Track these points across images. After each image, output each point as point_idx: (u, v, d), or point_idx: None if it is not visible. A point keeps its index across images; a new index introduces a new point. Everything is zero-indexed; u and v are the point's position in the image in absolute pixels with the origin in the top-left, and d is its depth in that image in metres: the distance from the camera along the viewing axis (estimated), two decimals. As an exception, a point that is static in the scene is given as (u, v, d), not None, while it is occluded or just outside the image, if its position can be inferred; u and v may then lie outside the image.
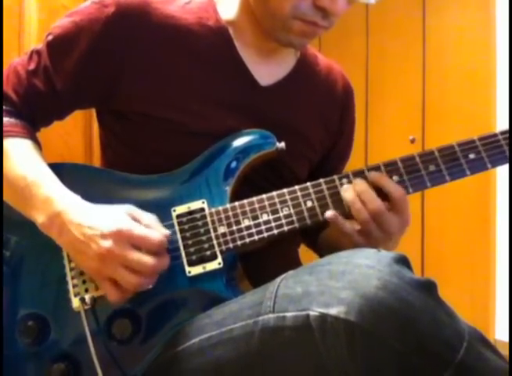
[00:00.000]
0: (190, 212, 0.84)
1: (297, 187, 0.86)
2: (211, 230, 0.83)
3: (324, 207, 0.84)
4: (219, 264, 0.81)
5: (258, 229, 0.83)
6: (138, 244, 0.76)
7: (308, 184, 0.86)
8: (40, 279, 0.85)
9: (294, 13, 0.85)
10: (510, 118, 2.34)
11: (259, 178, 0.92)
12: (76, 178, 0.89)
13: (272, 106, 0.96)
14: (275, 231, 0.84)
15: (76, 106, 0.96)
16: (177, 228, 0.83)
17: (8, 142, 0.86)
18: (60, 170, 0.88)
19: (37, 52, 0.91)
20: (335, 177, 0.86)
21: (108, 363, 0.78)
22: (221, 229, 0.83)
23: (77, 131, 2.25)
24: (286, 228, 0.84)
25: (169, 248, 0.81)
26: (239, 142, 0.89)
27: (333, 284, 0.64)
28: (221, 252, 0.82)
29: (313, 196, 0.85)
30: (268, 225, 0.84)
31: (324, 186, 0.86)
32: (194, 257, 0.82)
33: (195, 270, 0.81)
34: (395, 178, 0.86)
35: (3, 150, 0.86)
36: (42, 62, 0.90)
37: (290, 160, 0.96)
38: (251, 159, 0.88)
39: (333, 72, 1.07)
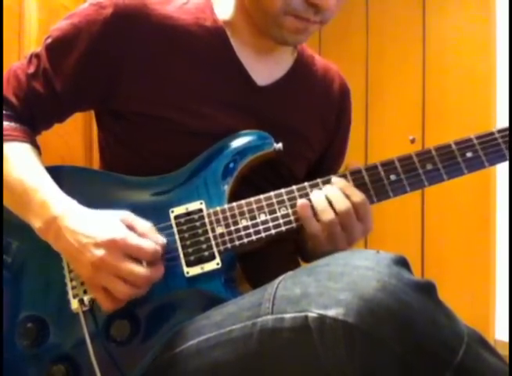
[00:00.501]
0: (188, 213, 0.84)
1: (294, 187, 0.86)
2: (209, 231, 0.83)
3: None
4: (217, 264, 0.81)
5: (256, 229, 0.83)
6: (131, 253, 0.76)
7: (306, 184, 0.86)
8: (39, 281, 0.85)
9: (286, 9, 0.85)
10: (510, 118, 2.34)
11: (257, 178, 0.92)
12: (74, 181, 0.89)
13: (270, 106, 0.96)
14: (273, 231, 0.84)
15: (76, 108, 0.96)
16: (175, 229, 0.83)
17: (7, 146, 0.86)
18: (58, 173, 0.88)
19: (37, 56, 0.91)
20: (332, 177, 0.86)
21: (107, 364, 0.78)
22: (219, 230, 0.83)
23: (77, 132, 2.25)
24: (283, 228, 0.84)
25: (167, 249, 0.81)
26: (237, 143, 0.89)
27: (332, 286, 0.64)
28: (220, 252, 0.82)
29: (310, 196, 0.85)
30: (265, 226, 0.84)
31: (322, 186, 0.86)
32: (192, 257, 0.82)
33: (193, 271, 0.81)
34: (393, 177, 0.86)
35: (3, 154, 0.85)
36: (42, 65, 0.90)
37: (288, 159, 0.96)
38: (249, 160, 0.88)
39: (330, 72, 1.07)
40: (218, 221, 0.84)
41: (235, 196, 0.87)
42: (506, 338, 2.37)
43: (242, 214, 0.84)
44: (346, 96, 1.10)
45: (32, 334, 0.82)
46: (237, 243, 0.83)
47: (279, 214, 0.84)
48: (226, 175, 0.87)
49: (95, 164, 1.97)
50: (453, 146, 0.86)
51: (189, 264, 0.82)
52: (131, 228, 0.79)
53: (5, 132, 0.87)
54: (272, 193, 0.86)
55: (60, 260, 0.83)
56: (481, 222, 2.51)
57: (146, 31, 0.88)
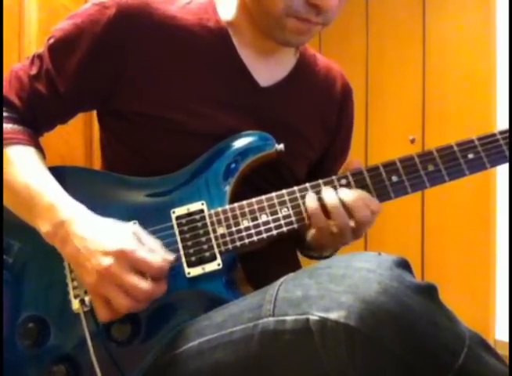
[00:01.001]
0: (189, 214, 0.84)
1: (295, 188, 0.86)
2: (211, 231, 0.83)
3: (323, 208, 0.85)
4: (218, 265, 0.81)
5: (257, 229, 0.83)
6: (138, 266, 0.75)
7: (307, 185, 0.86)
8: (40, 281, 0.85)
9: (287, 11, 0.85)
10: (510, 118, 2.34)
11: (258, 179, 0.92)
12: (75, 181, 0.89)
13: (272, 107, 0.96)
14: (275, 232, 0.84)
15: (79, 109, 0.95)
16: (176, 229, 0.83)
17: (11, 150, 0.86)
18: (60, 173, 0.88)
19: (39, 57, 0.91)
20: (334, 178, 0.86)
21: (108, 364, 0.78)
22: (221, 231, 0.83)
23: (78, 132, 2.25)
24: (285, 228, 0.84)
25: (168, 249, 0.81)
26: (239, 143, 0.89)
27: (333, 288, 0.64)
28: (221, 253, 0.82)
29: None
30: (267, 226, 0.84)
31: (323, 187, 0.86)
32: (193, 258, 0.82)
33: (194, 271, 0.81)
34: (394, 178, 0.86)
35: (6, 158, 0.85)
36: (44, 66, 0.90)
37: (289, 160, 0.96)
38: (250, 160, 0.88)
39: (332, 72, 1.07)
40: (219, 221, 0.84)
41: (236, 196, 0.87)
42: (506, 338, 2.37)
43: (243, 214, 0.84)
44: (348, 96, 1.10)
45: (33, 335, 0.82)
46: (238, 243, 0.83)
47: (280, 214, 0.84)
48: (228, 176, 0.87)
49: (96, 164, 1.98)
50: (455, 148, 0.86)
51: (191, 264, 0.81)
52: (140, 242, 0.78)
53: (9, 135, 0.86)
54: (273, 194, 0.86)
55: (61, 260, 0.83)
56: (481, 223, 2.51)
57: (148, 31, 0.88)
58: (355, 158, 0.90)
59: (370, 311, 0.60)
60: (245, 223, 0.84)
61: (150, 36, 0.88)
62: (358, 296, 0.62)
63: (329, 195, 0.84)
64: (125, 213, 0.85)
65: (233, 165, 0.88)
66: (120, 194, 0.88)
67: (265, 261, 0.89)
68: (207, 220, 0.84)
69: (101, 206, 0.85)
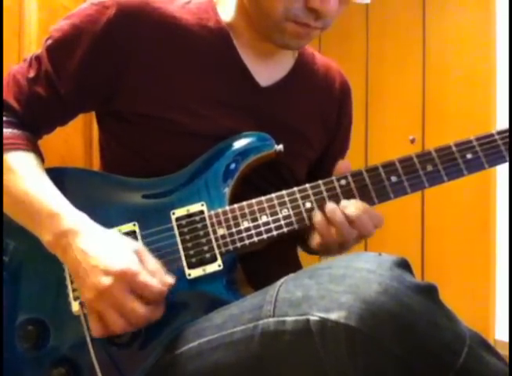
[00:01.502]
0: (189, 215, 0.84)
1: (295, 189, 0.86)
2: (211, 233, 0.83)
3: (323, 209, 0.85)
4: (219, 266, 0.81)
5: (258, 230, 0.83)
6: (138, 289, 0.74)
7: (307, 185, 0.86)
8: (39, 283, 0.85)
9: (287, 15, 0.85)
10: (510, 118, 2.34)
11: (258, 179, 0.92)
12: (75, 183, 0.89)
13: (272, 107, 0.96)
14: (275, 232, 0.84)
15: (79, 110, 0.95)
16: (176, 231, 0.83)
17: (11, 156, 0.85)
18: (59, 175, 0.88)
19: (37, 58, 0.90)
20: (333, 178, 0.86)
21: (108, 366, 0.78)
22: (221, 232, 0.83)
23: (77, 132, 2.25)
24: (285, 229, 0.84)
25: (168, 251, 0.82)
26: (238, 144, 0.89)
27: (334, 288, 0.64)
28: (221, 254, 0.82)
29: (312, 197, 0.85)
30: (267, 227, 0.84)
31: (323, 188, 0.86)
32: (194, 259, 0.82)
33: (195, 273, 0.81)
34: (393, 178, 0.86)
35: (6, 164, 0.84)
36: (43, 67, 0.89)
37: (289, 160, 0.96)
38: (250, 161, 0.88)
39: (331, 71, 1.08)
40: (219, 222, 0.84)
41: (236, 197, 0.87)
42: (506, 338, 2.37)
43: (243, 215, 0.84)
44: (347, 95, 1.10)
45: (33, 337, 0.82)
46: (238, 244, 0.83)
47: (280, 215, 0.84)
48: (227, 177, 0.87)
49: (96, 164, 1.97)
50: (453, 148, 0.86)
51: (191, 266, 0.81)
52: (142, 262, 0.77)
53: (8, 141, 0.85)
54: (273, 195, 0.86)
55: (61, 262, 0.83)
56: (481, 223, 2.51)
57: (148, 31, 0.88)
58: (346, 160, 0.90)
59: (370, 311, 0.60)
60: (245, 224, 0.84)
61: (150, 36, 0.88)
62: (359, 296, 0.62)
63: (336, 214, 0.83)
64: (125, 214, 0.85)
65: (233, 166, 0.88)
66: (120, 195, 0.88)
67: (265, 261, 0.89)
68: (207, 221, 0.84)
69: (100, 207, 0.85)
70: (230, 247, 0.83)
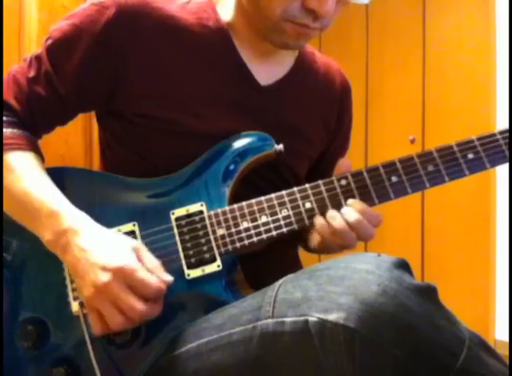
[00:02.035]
0: (189, 215, 0.84)
1: (295, 189, 0.86)
2: (210, 233, 0.83)
3: (323, 209, 0.84)
4: (218, 266, 0.81)
5: (257, 230, 0.83)
6: (136, 286, 0.74)
7: (307, 185, 0.86)
8: (39, 283, 0.85)
9: (285, 16, 0.85)
10: (510, 118, 2.33)
11: (259, 179, 0.92)
12: (75, 183, 0.89)
13: (273, 106, 0.96)
14: (274, 233, 0.84)
15: (79, 110, 0.95)
16: (176, 231, 0.83)
17: (11, 156, 0.85)
18: (59, 174, 0.88)
19: (37, 58, 0.90)
20: (333, 178, 0.86)
21: (107, 366, 0.78)
22: (220, 232, 0.83)
23: (77, 132, 2.25)
24: (284, 229, 0.84)
25: (168, 251, 0.81)
26: (238, 144, 0.89)
27: (333, 289, 0.64)
28: (220, 254, 0.82)
29: (312, 197, 0.85)
30: (266, 227, 0.84)
31: (323, 188, 0.86)
32: (193, 260, 0.82)
33: (194, 273, 0.81)
34: (394, 178, 0.85)
35: (6, 164, 0.84)
36: (43, 67, 0.89)
37: (290, 159, 0.96)
38: (250, 161, 0.88)
39: (331, 69, 1.08)
40: (218, 223, 0.83)
41: (236, 197, 0.87)
42: (506, 338, 2.37)
43: (243, 216, 0.84)
44: (347, 93, 1.10)
45: (32, 336, 0.82)
46: (238, 244, 0.83)
47: (280, 215, 0.84)
48: (227, 177, 0.87)
49: (96, 164, 1.97)
50: (455, 148, 0.85)
51: (190, 266, 0.81)
52: (140, 260, 0.77)
53: (8, 141, 0.86)
54: (272, 195, 0.85)
55: (61, 262, 0.83)
56: (482, 223, 2.51)
57: (148, 30, 0.88)
58: (347, 159, 0.90)
59: (369, 312, 0.60)
60: (244, 224, 0.84)
61: (150, 36, 0.88)
62: (358, 297, 0.61)
63: (336, 220, 0.83)
64: (125, 214, 0.85)
65: (232, 166, 0.88)
66: (120, 195, 0.88)
67: (265, 262, 0.89)
68: (207, 221, 0.83)
69: (100, 207, 0.85)
70: (229, 247, 0.82)
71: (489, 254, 2.49)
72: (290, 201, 0.85)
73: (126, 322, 0.75)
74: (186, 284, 0.81)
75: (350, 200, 0.84)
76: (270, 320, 0.67)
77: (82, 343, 0.78)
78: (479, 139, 0.85)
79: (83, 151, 2.29)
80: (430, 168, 0.85)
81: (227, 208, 0.84)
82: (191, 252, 0.82)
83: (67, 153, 2.18)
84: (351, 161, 0.90)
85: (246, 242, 0.83)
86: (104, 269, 0.73)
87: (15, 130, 0.87)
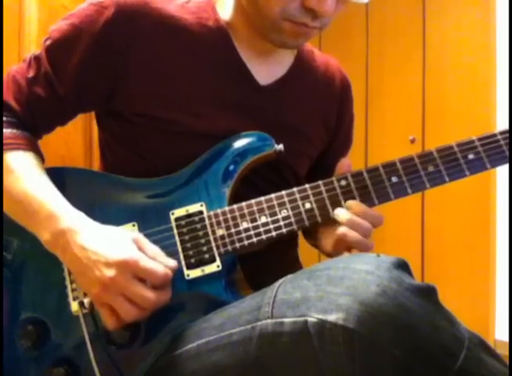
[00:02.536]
0: (189, 215, 0.84)
1: (295, 189, 0.86)
2: (210, 233, 0.83)
3: (322, 209, 0.84)
4: (218, 267, 0.81)
5: (257, 231, 0.83)
6: (142, 276, 0.75)
7: (307, 186, 0.86)
8: (39, 283, 0.85)
9: (283, 15, 0.85)
10: (510, 118, 2.33)
11: (258, 178, 0.92)
12: (75, 183, 0.89)
13: (273, 106, 0.96)
14: (274, 233, 0.83)
15: (79, 110, 0.95)
16: (175, 231, 0.83)
17: (11, 156, 0.85)
18: (59, 174, 0.88)
19: (36, 59, 0.90)
20: (333, 178, 0.86)
21: (107, 366, 0.78)
22: (220, 232, 0.83)
23: (77, 132, 2.25)
24: (284, 230, 0.84)
25: (167, 251, 0.81)
26: (238, 144, 0.89)
27: (332, 290, 0.64)
28: (220, 255, 0.82)
29: (312, 198, 0.85)
30: (266, 228, 0.83)
31: (323, 188, 0.86)
32: (193, 260, 0.82)
33: (194, 273, 0.81)
34: (394, 179, 0.85)
35: (6, 164, 0.84)
36: (42, 68, 0.89)
37: (290, 159, 0.96)
38: (249, 161, 0.88)
39: (330, 67, 1.07)
40: (218, 223, 0.83)
41: (236, 197, 0.87)
42: (506, 338, 2.37)
43: (242, 216, 0.84)
44: (347, 91, 1.10)
45: (32, 337, 0.82)
46: (238, 245, 0.83)
47: (279, 216, 0.84)
48: (227, 177, 0.87)
49: (96, 164, 1.97)
50: (455, 148, 0.85)
51: (190, 266, 0.81)
52: (141, 249, 0.77)
53: (8, 141, 0.86)
54: (272, 195, 0.85)
55: (60, 262, 0.83)
56: (481, 223, 2.51)
57: (147, 30, 0.88)
58: (347, 159, 0.90)
59: (369, 313, 0.60)
60: (244, 225, 0.83)
61: (149, 35, 0.88)
62: (357, 298, 0.61)
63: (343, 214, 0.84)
64: (124, 214, 0.85)
65: (232, 166, 0.87)
66: (120, 196, 0.88)
67: (264, 262, 0.89)
68: (207, 221, 0.83)
69: (100, 207, 0.85)
70: (229, 247, 0.82)
71: (489, 254, 2.48)
72: (290, 202, 0.85)
73: (139, 312, 0.75)
74: (186, 285, 0.81)
75: (349, 202, 0.85)
76: (269, 321, 0.67)
77: (82, 343, 0.78)
78: (480, 139, 0.85)
79: (83, 151, 2.30)
80: (431, 168, 0.85)
81: (227, 209, 0.84)
82: (191, 252, 0.82)
83: (67, 154, 2.18)
84: (351, 161, 0.90)
85: (245, 242, 0.83)
86: (108, 264, 0.74)
87: (14, 130, 0.88)
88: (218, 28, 0.93)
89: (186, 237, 0.83)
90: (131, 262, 0.74)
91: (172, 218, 0.84)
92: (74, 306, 0.81)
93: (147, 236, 0.83)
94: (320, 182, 0.86)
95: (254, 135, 0.90)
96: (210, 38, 0.92)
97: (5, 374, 0.82)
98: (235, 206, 0.85)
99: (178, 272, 0.80)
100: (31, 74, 0.90)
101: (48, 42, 0.89)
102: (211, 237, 0.83)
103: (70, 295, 0.82)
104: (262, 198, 0.85)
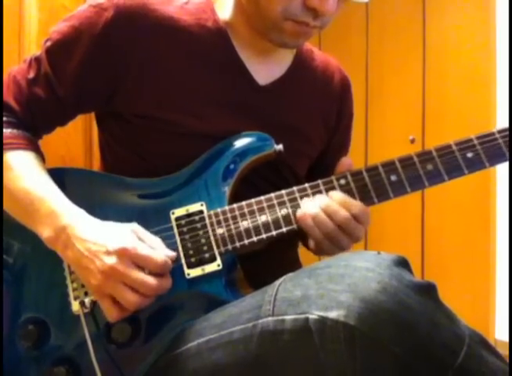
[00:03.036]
0: (189, 215, 0.84)
1: (295, 188, 0.86)
2: (210, 232, 0.83)
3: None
4: (218, 266, 0.81)
5: (257, 230, 0.83)
6: (142, 263, 0.76)
7: (307, 185, 0.86)
8: (40, 282, 0.86)
9: (285, 14, 0.85)
10: (510, 118, 2.33)
11: (258, 178, 0.92)
12: (75, 183, 0.89)
13: (272, 106, 0.96)
14: (274, 232, 0.84)
15: (78, 111, 0.95)
16: (176, 230, 0.83)
17: (11, 155, 0.86)
18: (60, 175, 0.88)
19: (36, 60, 0.91)
20: (333, 177, 0.86)
21: (108, 366, 0.78)
22: (220, 231, 0.83)
23: (78, 132, 2.24)
24: (284, 229, 0.84)
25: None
26: (238, 144, 0.89)
27: (333, 287, 0.64)
28: (220, 254, 0.82)
29: (311, 197, 0.85)
30: (266, 227, 0.84)
31: (322, 187, 0.86)
32: (193, 259, 0.82)
33: (194, 272, 0.81)
34: (393, 177, 0.86)
35: (6, 163, 0.85)
36: (42, 69, 0.90)
37: (290, 159, 0.96)
38: (249, 161, 0.88)
39: (329, 66, 1.08)
40: (218, 222, 0.84)
41: (236, 196, 0.87)
42: (506, 338, 2.37)
43: (242, 215, 0.84)
44: (347, 90, 1.10)
45: (33, 336, 0.82)
46: (238, 244, 0.83)
47: (279, 215, 0.84)
48: (227, 177, 0.87)
49: (96, 164, 1.97)
50: (454, 147, 0.85)
51: (190, 266, 0.81)
52: (140, 239, 0.78)
53: (8, 140, 0.86)
54: (272, 194, 0.86)
55: (61, 262, 0.83)
56: (481, 222, 2.51)
57: (147, 32, 0.88)
58: (348, 158, 0.90)
59: (370, 310, 0.60)
60: (244, 224, 0.84)
61: (148, 37, 0.88)
62: (358, 295, 0.62)
63: (309, 206, 0.83)
64: (124, 214, 0.85)
65: (232, 166, 0.88)
66: (120, 196, 0.88)
67: (265, 261, 0.89)
68: (207, 221, 0.84)
69: (100, 207, 0.85)
70: (229, 246, 0.83)
71: (489, 254, 2.49)
72: (290, 201, 0.85)
73: (141, 299, 0.75)
74: (186, 284, 0.81)
75: (331, 192, 0.84)
76: (270, 318, 0.68)
77: (83, 343, 0.79)
78: (478, 138, 0.86)
79: (83, 151, 2.29)
80: (430, 167, 0.85)
81: (227, 208, 0.85)
82: (191, 252, 0.82)
83: (67, 154, 2.18)
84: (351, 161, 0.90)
85: (246, 241, 0.83)
86: (108, 253, 0.75)
87: (14, 130, 0.88)
88: (217, 29, 0.93)
89: (187, 237, 0.83)
90: (130, 248, 0.75)
91: (172, 217, 0.84)
92: (75, 306, 0.81)
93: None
94: (320, 182, 0.86)
95: (254, 135, 0.90)
96: (210, 39, 0.92)
97: (5, 374, 0.82)
98: (235, 205, 0.85)
99: (178, 272, 0.81)
100: (31, 74, 0.90)
101: (49, 44, 0.90)
102: (212, 236, 0.83)
103: (71, 295, 0.82)
104: (262, 197, 0.85)
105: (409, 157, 0.86)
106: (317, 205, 0.83)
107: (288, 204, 0.85)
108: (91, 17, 0.88)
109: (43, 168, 0.88)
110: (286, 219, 0.84)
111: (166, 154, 0.91)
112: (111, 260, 0.75)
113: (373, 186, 0.86)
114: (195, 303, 0.82)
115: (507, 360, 0.66)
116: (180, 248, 0.82)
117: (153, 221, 0.85)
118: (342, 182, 0.86)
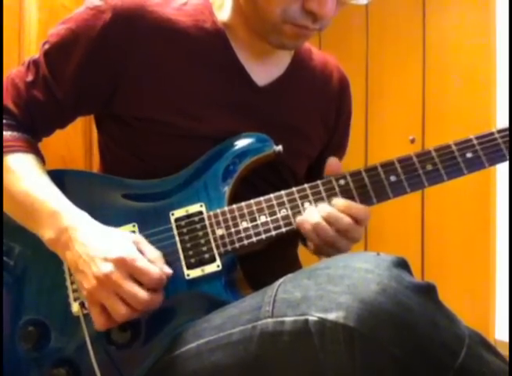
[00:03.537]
0: (188, 216, 0.84)
1: (294, 189, 0.86)
2: (210, 233, 0.83)
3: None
4: (218, 266, 0.81)
5: (256, 230, 0.83)
6: (137, 275, 0.75)
7: (306, 185, 0.86)
8: (40, 284, 0.86)
9: (284, 17, 0.85)
10: (510, 118, 2.33)
11: (257, 179, 0.92)
12: (75, 185, 0.90)
13: (271, 106, 0.96)
14: (273, 233, 0.84)
15: (77, 114, 0.96)
16: (175, 231, 0.83)
17: (11, 158, 0.86)
18: (60, 176, 0.88)
19: (35, 63, 0.91)
20: (332, 178, 0.86)
21: (107, 367, 0.79)
22: (220, 232, 0.83)
23: (78, 133, 2.25)
24: (284, 229, 0.84)
25: (168, 251, 0.82)
26: (237, 145, 0.89)
27: (332, 289, 0.64)
28: (220, 255, 0.82)
29: (311, 197, 0.85)
30: (265, 227, 0.84)
31: (321, 188, 0.86)
32: (193, 260, 0.82)
33: (194, 273, 0.81)
34: (393, 178, 0.86)
35: (6, 166, 0.85)
36: (41, 72, 0.90)
37: (290, 159, 0.96)
38: (249, 162, 0.88)
39: (328, 65, 1.07)
40: (218, 223, 0.84)
41: (235, 197, 0.87)
42: (506, 338, 2.36)
43: (242, 216, 0.84)
44: (345, 89, 1.10)
45: (33, 338, 0.82)
46: (237, 245, 0.83)
47: (279, 215, 0.84)
48: (226, 178, 0.87)
49: (96, 165, 1.97)
50: (453, 147, 0.86)
51: (190, 266, 0.82)
52: (140, 251, 0.78)
53: (7, 143, 0.87)
54: (271, 195, 0.86)
55: (61, 263, 0.83)
56: (481, 222, 2.51)
57: (145, 34, 0.88)
58: (335, 158, 0.90)
59: (369, 311, 0.60)
60: (244, 224, 0.84)
61: (147, 39, 0.88)
62: (357, 296, 0.62)
63: (312, 214, 0.83)
64: (124, 215, 0.85)
65: (231, 167, 0.88)
66: (120, 197, 0.88)
67: (264, 262, 0.89)
68: (206, 222, 0.84)
69: (100, 208, 0.85)
70: (229, 247, 0.83)
71: (489, 254, 2.48)
72: (289, 201, 0.85)
73: (130, 312, 0.75)
74: (186, 284, 0.81)
75: (333, 199, 0.84)
76: (270, 320, 0.68)
77: (83, 344, 0.79)
78: (477, 138, 0.86)
79: (83, 152, 2.30)
80: (429, 167, 0.85)
81: (226, 209, 0.85)
82: (191, 252, 0.82)
83: (67, 155, 2.18)
84: (351, 161, 0.90)
85: (245, 242, 0.83)
86: (105, 259, 0.75)
87: (14, 133, 0.88)
88: (216, 30, 0.93)
89: (186, 237, 0.83)
90: (128, 259, 0.75)
91: (172, 218, 0.84)
92: (75, 307, 0.82)
93: (147, 236, 0.83)
94: (319, 182, 0.86)
95: (254, 136, 0.90)
96: (208, 41, 0.92)
97: (5, 374, 0.82)
98: (234, 206, 0.85)
99: (178, 272, 0.81)
100: (30, 77, 0.90)
101: (46, 46, 0.90)
102: (211, 237, 0.83)
103: (71, 296, 0.82)
104: (261, 198, 0.85)
105: (409, 157, 0.86)
106: (318, 214, 0.82)
107: (287, 205, 0.85)
108: (88, 20, 0.88)
109: (43, 169, 0.88)
110: (286, 220, 0.84)
111: (165, 156, 0.91)
112: (107, 268, 0.74)
113: (372, 187, 0.86)
114: (195, 304, 0.82)
115: (507, 360, 0.66)
116: (180, 249, 0.82)
117: (152, 222, 0.85)
118: (341, 182, 0.86)
